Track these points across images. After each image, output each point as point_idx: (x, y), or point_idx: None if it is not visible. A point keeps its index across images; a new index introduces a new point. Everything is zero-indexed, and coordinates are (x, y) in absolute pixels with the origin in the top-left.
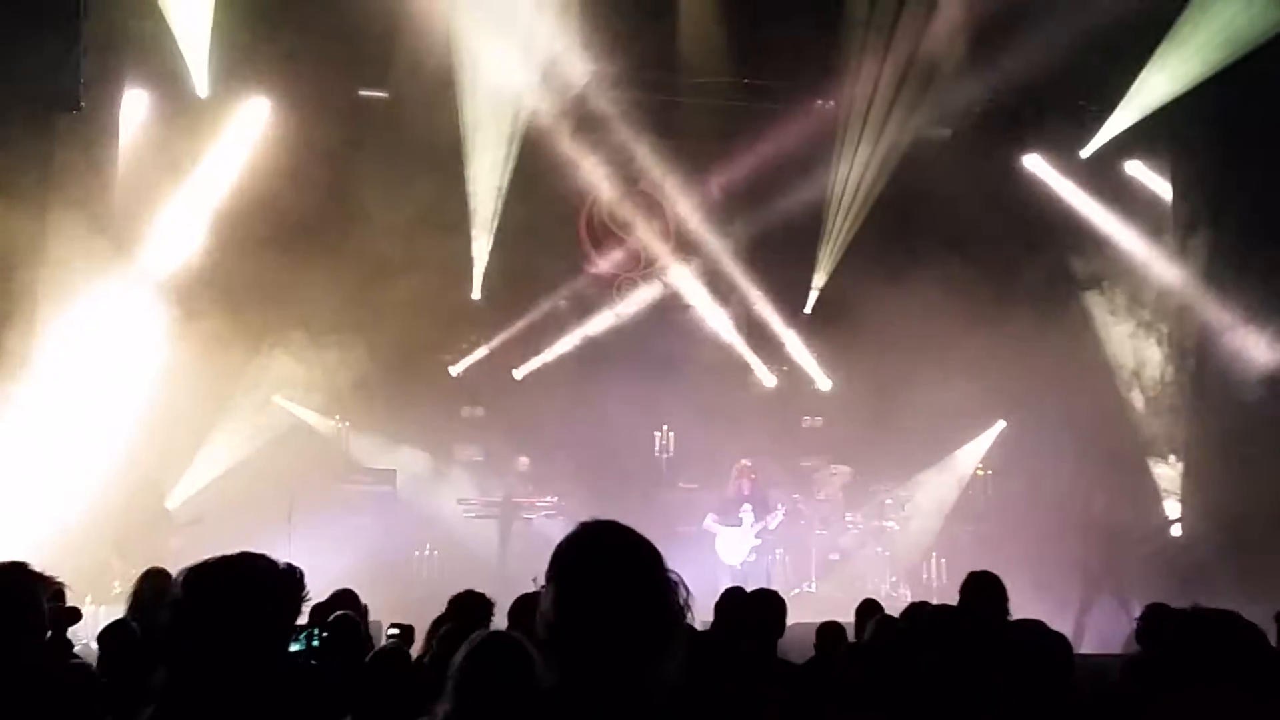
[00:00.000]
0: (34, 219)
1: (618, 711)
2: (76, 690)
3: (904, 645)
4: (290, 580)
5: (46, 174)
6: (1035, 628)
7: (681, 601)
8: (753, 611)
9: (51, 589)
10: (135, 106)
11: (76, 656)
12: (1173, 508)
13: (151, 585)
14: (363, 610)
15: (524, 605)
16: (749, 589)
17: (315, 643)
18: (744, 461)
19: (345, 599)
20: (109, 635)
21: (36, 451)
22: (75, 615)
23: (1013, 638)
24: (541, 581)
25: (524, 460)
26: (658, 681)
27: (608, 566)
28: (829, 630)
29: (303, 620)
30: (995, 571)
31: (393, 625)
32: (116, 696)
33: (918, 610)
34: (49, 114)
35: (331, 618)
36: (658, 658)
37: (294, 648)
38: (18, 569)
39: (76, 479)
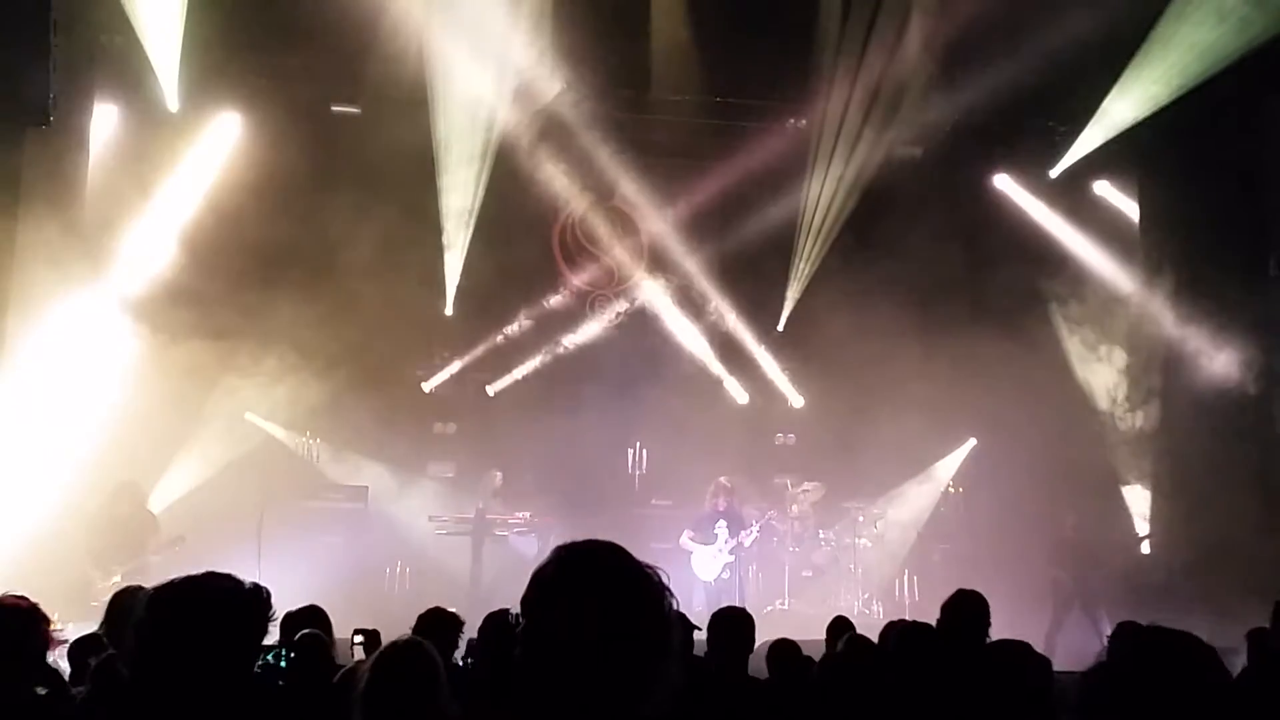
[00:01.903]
0: (2, 232)
1: None
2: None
3: (880, 663)
4: (256, 600)
5: (15, 188)
6: (1020, 649)
7: (670, 617)
8: (723, 629)
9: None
10: (105, 120)
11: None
12: (1141, 526)
13: (126, 603)
14: (329, 626)
15: (494, 623)
16: (721, 605)
17: (283, 663)
18: (721, 479)
19: (312, 615)
20: (80, 649)
21: (7, 466)
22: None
23: (997, 659)
24: (516, 610)
25: (498, 475)
26: (643, 705)
27: (584, 595)
28: (781, 647)
29: (275, 636)
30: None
31: (357, 631)
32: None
33: (894, 628)
34: (18, 127)
35: (298, 636)
36: (644, 690)
37: (261, 667)
38: (22, 605)
39: (50, 494)
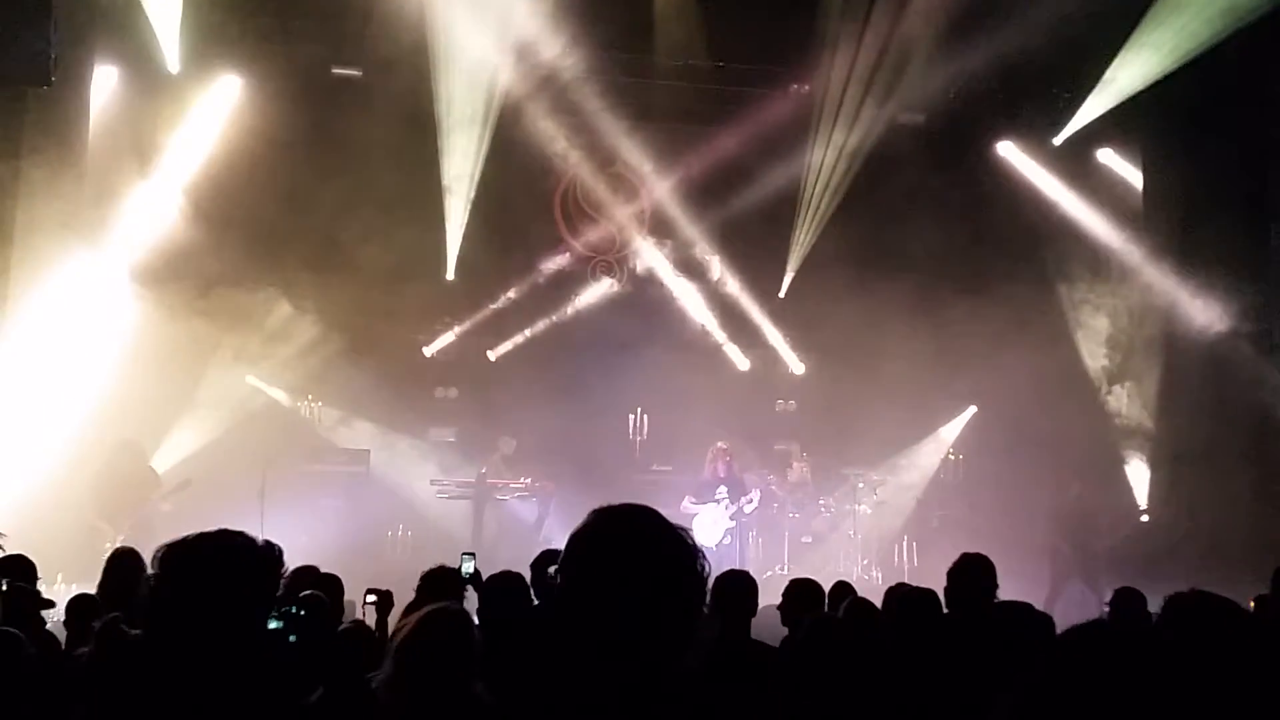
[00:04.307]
0: (3, 195)
1: (635, 696)
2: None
3: (882, 628)
4: (268, 557)
5: (17, 148)
6: (1022, 609)
7: (706, 585)
8: (725, 593)
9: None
10: (105, 82)
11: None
12: (1141, 496)
13: (124, 563)
14: (341, 590)
15: (495, 584)
16: (722, 569)
17: (294, 620)
18: (720, 444)
19: (327, 579)
20: (75, 609)
21: (10, 426)
22: (48, 603)
23: (999, 619)
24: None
25: (511, 442)
26: (676, 665)
27: (626, 554)
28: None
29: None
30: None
31: (369, 591)
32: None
33: (896, 593)
34: (19, 88)
35: (301, 595)
36: (677, 643)
37: (273, 625)
38: None
39: (53, 453)
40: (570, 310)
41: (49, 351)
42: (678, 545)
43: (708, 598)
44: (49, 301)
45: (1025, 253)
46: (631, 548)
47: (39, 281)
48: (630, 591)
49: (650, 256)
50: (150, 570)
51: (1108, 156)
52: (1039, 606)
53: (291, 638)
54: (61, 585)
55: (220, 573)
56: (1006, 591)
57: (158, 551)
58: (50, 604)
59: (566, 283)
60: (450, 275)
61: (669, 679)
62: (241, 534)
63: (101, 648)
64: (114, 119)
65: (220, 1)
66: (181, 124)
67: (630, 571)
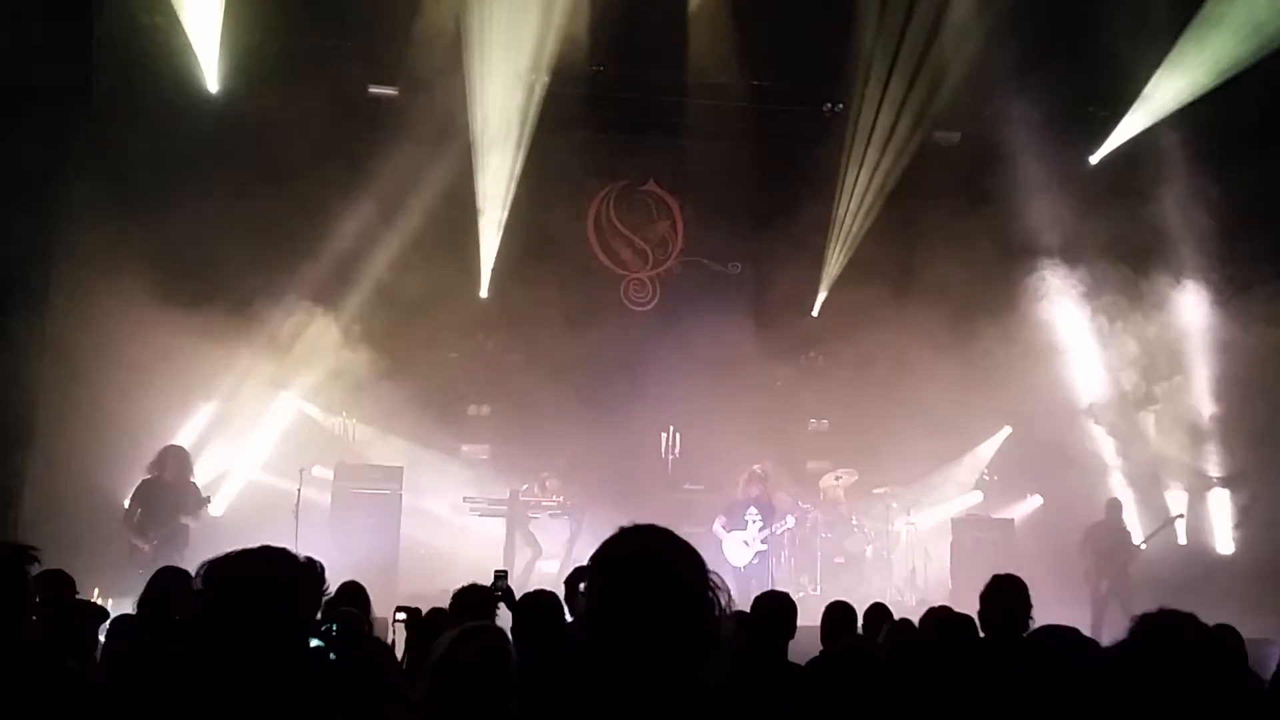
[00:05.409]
0: (47, 214)
1: (660, 711)
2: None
3: (923, 650)
4: (311, 574)
5: (59, 169)
6: (1066, 634)
7: (724, 605)
8: (764, 613)
9: (31, 557)
10: (146, 102)
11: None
12: (1176, 515)
13: (167, 579)
14: (367, 603)
15: (529, 602)
16: (750, 589)
17: (334, 638)
18: (755, 468)
19: (352, 591)
20: (118, 628)
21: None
22: (102, 614)
23: (1044, 644)
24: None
25: (548, 480)
26: (699, 682)
27: (650, 568)
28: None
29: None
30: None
31: (399, 609)
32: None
33: (932, 616)
34: (62, 110)
35: (336, 611)
36: (700, 658)
37: (314, 643)
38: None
39: (93, 469)
40: (603, 328)
41: (93, 366)
42: (690, 563)
43: (736, 616)
44: (92, 317)
45: (1059, 272)
46: (646, 566)
47: (81, 301)
48: (645, 608)
49: (683, 274)
50: (195, 586)
51: (1143, 176)
52: (1086, 628)
53: (331, 655)
54: (99, 600)
55: (266, 590)
56: (1049, 614)
57: (201, 567)
58: (105, 614)
59: (599, 300)
60: (484, 293)
61: (692, 697)
62: (284, 550)
63: (146, 664)
64: (157, 138)
65: (259, 21)
66: (220, 143)
67: (645, 589)
